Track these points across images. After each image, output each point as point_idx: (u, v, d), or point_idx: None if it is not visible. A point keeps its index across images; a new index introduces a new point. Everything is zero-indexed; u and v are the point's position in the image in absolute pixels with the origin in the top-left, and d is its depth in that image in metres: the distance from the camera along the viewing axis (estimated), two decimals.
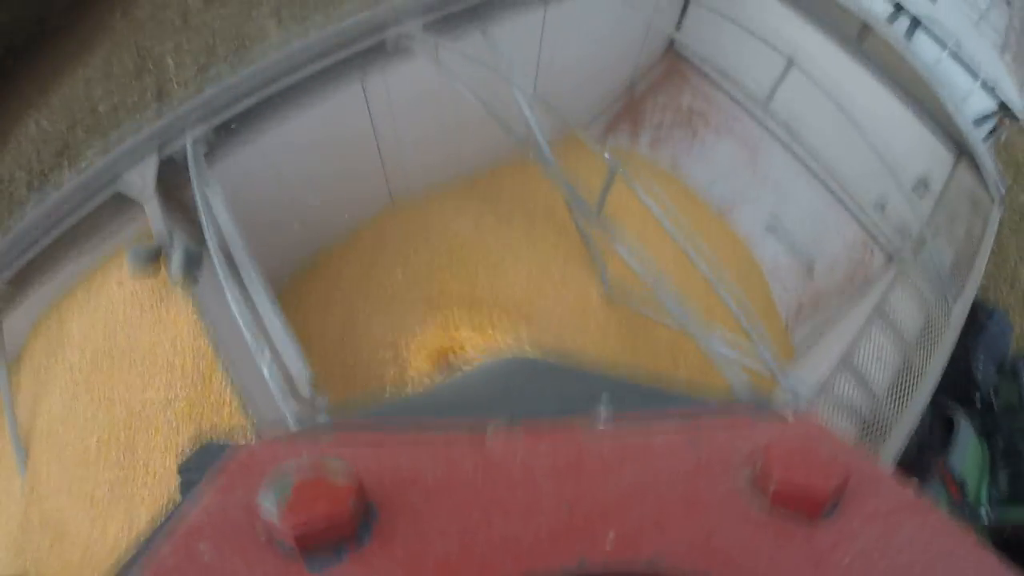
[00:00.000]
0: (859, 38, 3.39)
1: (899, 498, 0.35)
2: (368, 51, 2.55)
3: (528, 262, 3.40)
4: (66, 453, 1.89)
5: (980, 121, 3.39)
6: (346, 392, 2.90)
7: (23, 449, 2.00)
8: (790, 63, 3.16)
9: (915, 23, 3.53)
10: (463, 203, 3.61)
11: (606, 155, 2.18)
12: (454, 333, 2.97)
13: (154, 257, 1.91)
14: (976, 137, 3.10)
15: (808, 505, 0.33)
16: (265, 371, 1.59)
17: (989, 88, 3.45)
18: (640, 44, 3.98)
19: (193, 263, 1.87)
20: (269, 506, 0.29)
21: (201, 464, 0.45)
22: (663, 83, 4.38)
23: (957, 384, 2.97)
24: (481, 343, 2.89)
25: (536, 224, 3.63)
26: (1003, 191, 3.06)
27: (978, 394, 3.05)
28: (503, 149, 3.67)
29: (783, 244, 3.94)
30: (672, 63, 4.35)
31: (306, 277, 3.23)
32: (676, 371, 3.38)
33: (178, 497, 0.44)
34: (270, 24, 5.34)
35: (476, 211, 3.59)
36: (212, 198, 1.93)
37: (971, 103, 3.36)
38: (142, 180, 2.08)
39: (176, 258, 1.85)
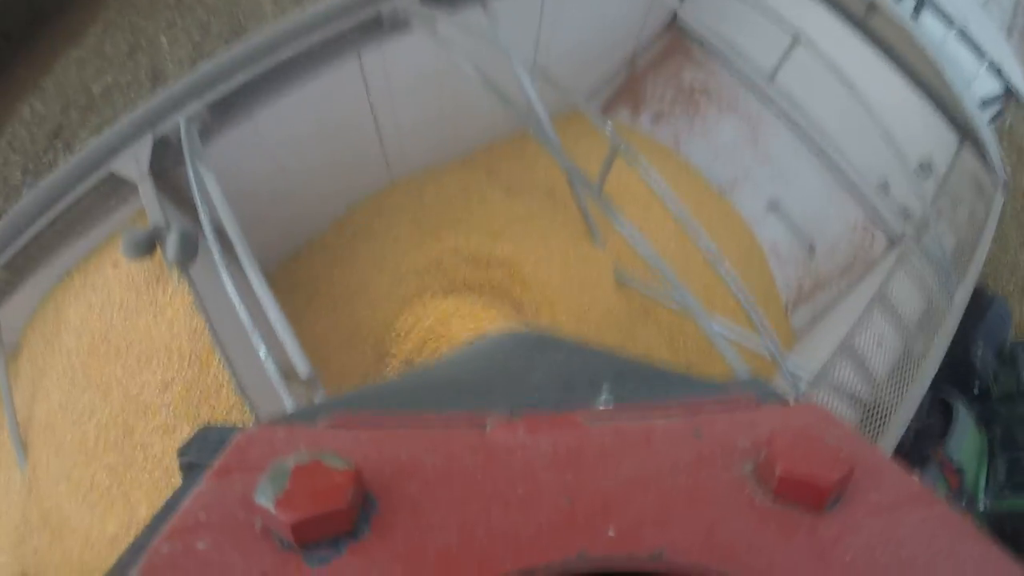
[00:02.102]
0: (865, 16, 3.33)
1: (904, 489, 0.34)
2: (364, 25, 2.50)
3: (529, 238, 3.39)
4: (65, 439, 1.90)
5: (985, 104, 3.35)
6: (344, 368, 2.91)
7: (23, 440, 2.01)
8: (795, 40, 3.10)
9: (922, 2, 3.47)
10: (463, 179, 3.58)
11: (608, 129, 2.15)
12: (454, 310, 2.97)
13: (149, 240, 1.90)
14: (981, 120, 3.06)
15: (812, 496, 0.32)
16: (262, 353, 1.59)
17: (995, 70, 3.41)
18: (642, 18, 3.91)
19: (189, 245, 1.86)
20: (266, 499, 0.29)
21: (200, 448, 0.45)
22: (665, 59, 4.31)
23: (956, 371, 2.98)
24: (482, 320, 2.89)
25: (537, 200, 3.60)
26: (1007, 175, 3.04)
27: (976, 381, 3.06)
28: (503, 125, 3.63)
29: (784, 224, 3.93)
30: (674, 38, 4.28)
31: (304, 254, 3.21)
32: (676, 353, 3.39)
33: (179, 481, 0.44)
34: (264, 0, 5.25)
35: (476, 187, 3.57)
36: (207, 178, 1.91)
37: (977, 85, 3.32)
38: (136, 161, 2.06)
39: (172, 240, 1.83)
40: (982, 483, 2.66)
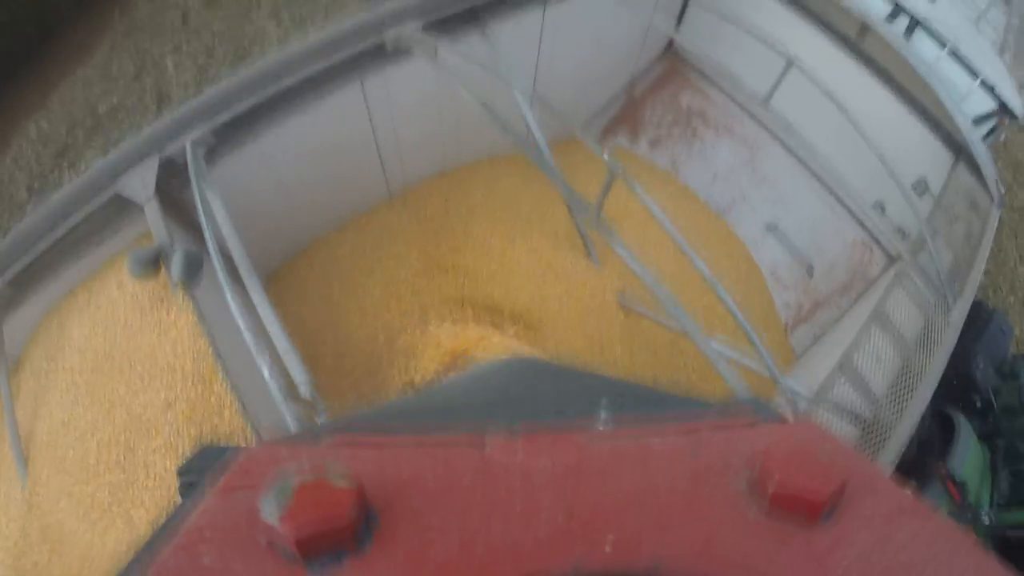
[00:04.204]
0: (858, 38, 3.39)
1: (897, 501, 0.35)
2: (368, 52, 2.55)
3: (529, 262, 3.39)
4: (67, 457, 1.89)
5: (979, 121, 3.39)
6: (345, 389, 2.90)
7: (24, 456, 2.00)
8: (789, 63, 3.16)
9: (914, 22, 3.53)
10: (463, 200, 3.60)
11: (605, 155, 2.18)
12: (454, 333, 2.97)
13: (154, 260, 1.91)
14: (975, 137, 3.10)
15: (806, 509, 0.33)
16: (265, 373, 1.59)
17: (988, 87, 3.45)
18: (639, 44, 3.98)
19: (193, 266, 1.87)
20: (270, 511, 0.29)
21: (201, 467, 0.45)
22: (662, 83, 4.38)
23: (957, 386, 2.96)
24: (482, 343, 2.88)
25: (537, 224, 3.62)
26: (1002, 191, 3.06)
27: (978, 396, 3.04)
28: (503, 147, 3.67)
29: (782, 245, 3.95)
30: (671, 63, 4.35)
31: (299, 265, 3.21)
32: (676, 374, 3.38)
33: (179, 499, 0.45)
34: (269, 25, 5.34)
35: (476, 209, 3.58)
36: (212, 200, 1.93)
37: (970, 103, 3.36)
38: (142, 182, 2.08)
39: (176, 261, 1.85)
40: (985, 498, 2.63)
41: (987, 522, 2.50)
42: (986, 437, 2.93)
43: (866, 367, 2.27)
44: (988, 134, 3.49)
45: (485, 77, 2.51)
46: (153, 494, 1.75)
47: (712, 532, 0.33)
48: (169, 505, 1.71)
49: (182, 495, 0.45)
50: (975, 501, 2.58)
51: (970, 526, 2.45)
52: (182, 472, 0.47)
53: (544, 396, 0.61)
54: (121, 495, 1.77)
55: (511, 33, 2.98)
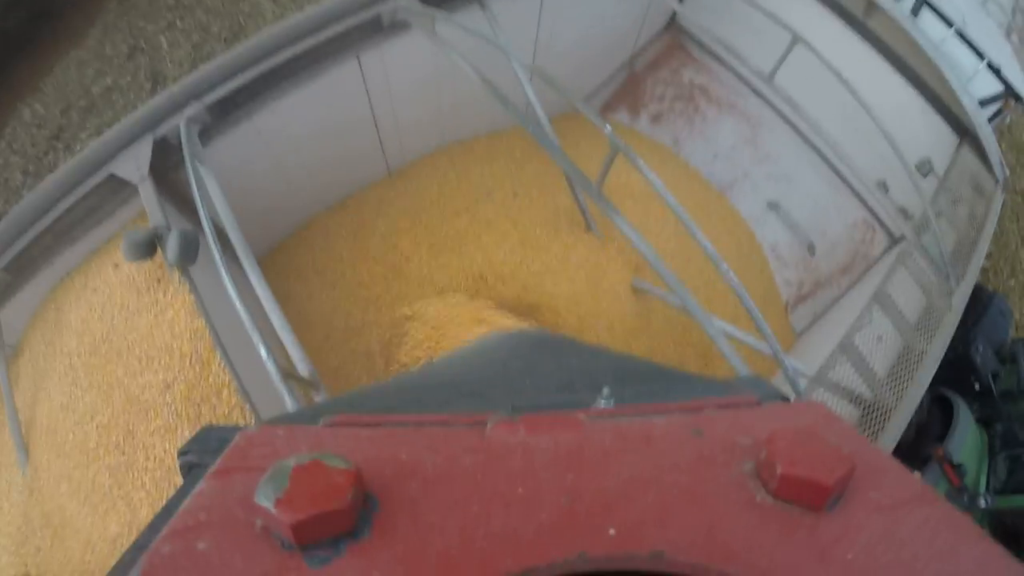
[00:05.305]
0: (864, 16, 3.33)
1: (904, 488, 0.34)
2: (364, 26, 2.50)
3: (530, 237, 3.37)
4: (66, 441, 1.90)
5: (985, 102, 3.35)
6: (345, 368, 2.90)
7: (24, 443, 2.01)
8: (794, 39, 3.10)
9: (921, 1, 3.46)
10: (464, 177, 3.57)
11: (607, 128, 2.14)
12: (456, 311, 2.96)
13: (149, 241, 1.89)
14: (980, 119, 3.06)
15: (812, 496, 0.32)
16: (263, 353, 1.59)
17: (995, 69, 3.40)
18: (641, 18, 3.91)
19: (189, 247, 1.86)
20: (266, 499, 0.29)
21: (200, 449, 0.45)
22: (664, 58, 4.31)
23: (956, 369, 2.97)
24: (485, 322, 2.88)
25: (542, 202, 3.59)
26: (1007, 173, 3.04)
27: (977, 379, 3.05)
28: (503, 123, 3.63)
29: (784, 224, 3.93)
30: (674, 37, 4.28)
31: (304, 253, 3.19)
32: (678, 352, 3.38)
33: (179, 481, 0.44)
34: (265, 1, 5.25)
35: (478, 185, 3.55)
36: (207, 179, 1.90)
37: (976, 84, 3.32)
38: (136, 162, 2.05)
39: (172, 241, 1.83)
40: (983, 482, 2.66)
41: (984, 506, 2.53)
42: (985, 421, 2.95)
43: (866, 348, 2.27)
44: (993, 116, 3.45)
45: (484, 51, 2.46)
46: (153, 476, 1.76)
47: (717, 517, 0.32)
48: (170, 487, 1.72)
49: (183, 477, 0.45)
50: (973, 485, 2.60)
51: (968, 510, 2.47)
52: (183, 454, 0.46)
53: (546, 372, 0.60)
54: (121, 478, 1.78)
55: (511, 6, 2.92)
